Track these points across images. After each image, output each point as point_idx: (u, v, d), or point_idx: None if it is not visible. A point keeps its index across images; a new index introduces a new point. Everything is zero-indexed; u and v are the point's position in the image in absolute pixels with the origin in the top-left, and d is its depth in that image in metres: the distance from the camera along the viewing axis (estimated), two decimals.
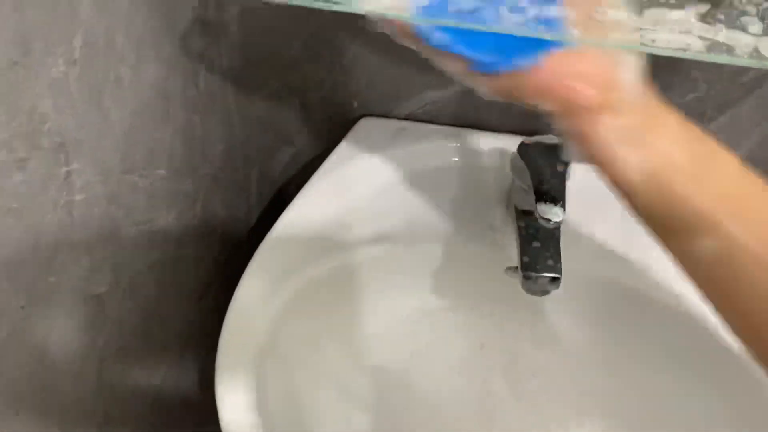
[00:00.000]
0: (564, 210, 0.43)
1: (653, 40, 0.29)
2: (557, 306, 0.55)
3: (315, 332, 0.55)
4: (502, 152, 0.58)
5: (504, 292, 0.56)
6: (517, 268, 0.50)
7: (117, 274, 0.46)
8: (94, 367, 0.46)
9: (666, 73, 0.49)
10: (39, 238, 0.38)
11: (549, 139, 0.47)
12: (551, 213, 0.43)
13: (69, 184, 0.39)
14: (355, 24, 0.53)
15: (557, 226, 0.45)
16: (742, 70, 0.47)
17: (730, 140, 0.53)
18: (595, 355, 0.55)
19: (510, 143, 0.57)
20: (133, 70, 0.44)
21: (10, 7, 0.32)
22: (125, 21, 0.42)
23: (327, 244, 0.55)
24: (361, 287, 0.57)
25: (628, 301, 0.53)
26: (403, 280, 0.57)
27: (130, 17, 0.42)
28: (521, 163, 0.46)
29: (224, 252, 0.65)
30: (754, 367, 0.31)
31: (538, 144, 0.47)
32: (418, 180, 0.58)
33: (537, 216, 0.43)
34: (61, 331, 0.41)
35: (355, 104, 0.61)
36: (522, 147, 0.47)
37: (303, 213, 0.56)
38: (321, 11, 0.54)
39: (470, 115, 0.59)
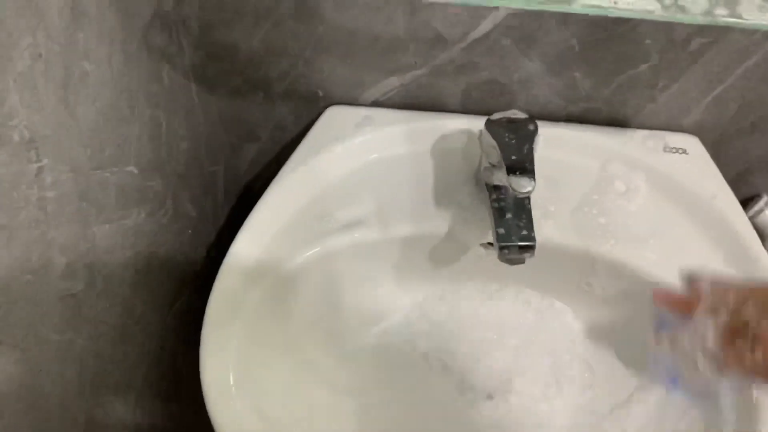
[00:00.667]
0: (534, 180, 0.45)
1: (615, 2, 0.30)
2: (532, 276, 0.56)
3: (292, 321, 0.55)
4: (466, 132, 0.59)
5: (478, 267, 0.57)
6: (489, 243, 0.51)
7: (92, 273, 0.46)
8: (75, 369, 0.45)
9: (620, 44, 0.51)
10: (12, 237, 0.37)
11: (513, 114, 0.49)
12: (523, 184, 0.44)
13: (40, 181, 0.39)
14: (317, 14, 0.54)
15: (527, 197, 0.47)
16: (689, 39, 0.49)
17: (681, 108, 0.57)
18: (571, 323, 0.57)
19: (473, 123, 0.59)
20: (97, 65, 0.44)
21: None
22: (86, 15, 0.41)
23: (301, 234, 0.55)
24: (337, 274, 0.57)
25: (599, 268, 0.55)
26: (378, 263, 0.58)
27: (91, 11, 0.42)
28: (489, 139, 0.48)
29: (196, 251, 0.65)
30: None
31: (504, 120, 0.48)
32: (386, 165, 0.59)
33: (509, 188, 0.45)
34: (40, 330, 0.40)
35: (321, 94, 0.61)
36: (489, 123, 0.48)
37: (276, 204, 0.56)
38: (280, 3, 0.55)
39: (434, 99, 0.60)
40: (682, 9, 0.30)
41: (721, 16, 0.29)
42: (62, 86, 0.40)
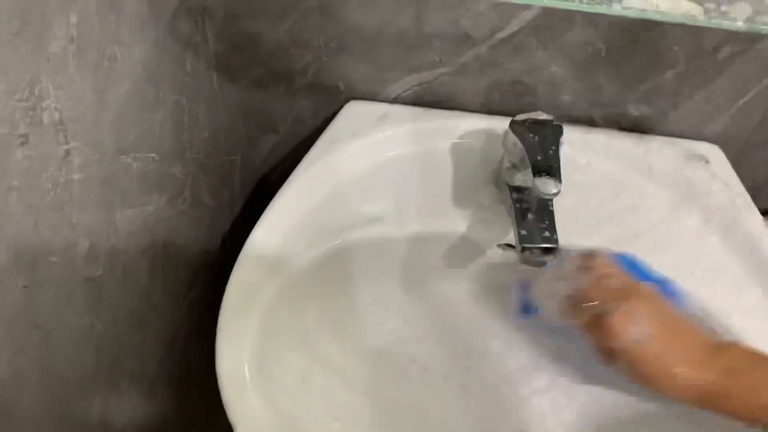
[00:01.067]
0: (560, 182, 0.44)
1: (657, 5, 0.30)
2: None
3: (307, 315, 0.55)
4: (487, 133, 0.59)
5: (494, 268, 0.57)
6: (508, 244, 0.51)
7: (112, 258, 0.46)
8: (93, 352, 0.45)
9: (648, 49, 0.51)
10: (39, 217, 0.37)
11: (537, 115, 0.49)
12: (549, 186, 0.44)
13: (68, 163, 0.39)
14: (343, 8, 0.54)
15: (552, 199, 0.47)
16: (718, 47, 0.49)
17: (705, 117, 0.56)
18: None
19: (494, 124, 0.59)
20: (126, 50, 0.44)
21: None
22: (118, 0, 0.41)
23: (318, 228, 0.55)
24: (353, 269, 0.57)
25: None
26: (394, 260, 0.58)
27: None
28: (514, 140, 0.48)
29: (211, 241, 0.65)
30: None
31: (528, 121, 0.48)
32: (405, 162, 0.59)
33: (535, 189, 0.45)
34: (62, 313, 0.40)
35: (342, 88, 0.61)
36: (513, 123, 0.48)
37: (293, 197, 0.56)
38: None
39: (456, 97, 0.60)
40: (725, 15, 0.30)
41: (763, 23, 0.29)
42: (92, 70, 0.40)
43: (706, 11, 0.31)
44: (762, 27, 0.29)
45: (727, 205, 0.53)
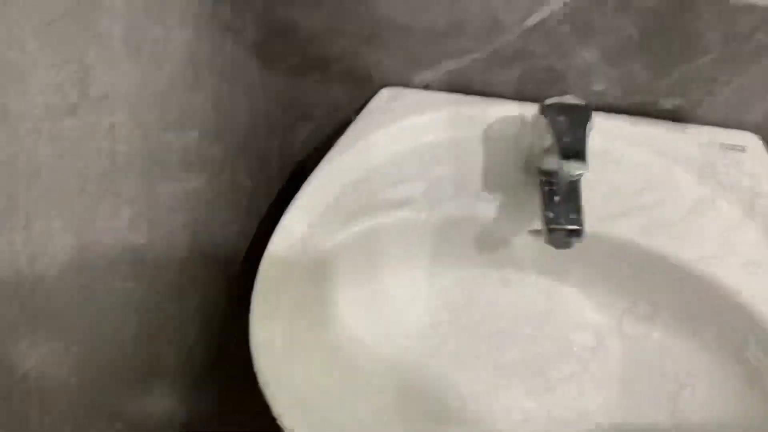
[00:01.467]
0: (586, 163, 0.45)
1: None
2: (576, 265, 0.56)
3: (338, 293, 0.56)
4: (518, 119, 0.60)
5: (525, 254, 0.58)
6: (537, 230, 0.52)
7: (153, 229, 0.48)
8: (133, 317, 0.48)
9: (681, 35, 0.51)
10: (86, 184, 0.40)
11: (567, 99, 0.49)
12: (575, 166, 0.44)
13: (113, 134, 0.42)
14: None
15: (578, 179, 0.47)
16: (753, 32, 0.49)
17: (742, 104, 0.55)
18: (613, 313, 0.56)
19: (526, 110, 0.59)
20: (168, 31, 0.46)
21: None
22: None
23: (349, 210, 0.56)
24: (383, 250, 0.59)
25: (645, 259, 0.54)
26: (424, 243, 0.59)
27: None
28: (543, 123, 0.48)
29: (248, 222, 0.67)
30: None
31: (558, 104, 0.49)
32: (437, 148, 0.60)
33: (561, 170, 0.45)
34: (107, 276, 0.43)
35: (375, 75, 0.63)
36: (543, 107, 0.49)
37: (326, 180, 0.58)
38: None
39: (487, 84, 0.60)
40: None
41: None
42: (136, 48, 0.43)
43: None
44: None
45: (763, 192, 0.52)
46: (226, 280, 0.63)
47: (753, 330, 0.47)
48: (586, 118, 0.48)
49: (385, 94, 0.63)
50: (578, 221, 0.47)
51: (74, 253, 0.40)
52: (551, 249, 0.49)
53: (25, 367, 0.37)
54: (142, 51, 0.43)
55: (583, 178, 0.48)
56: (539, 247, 0.51)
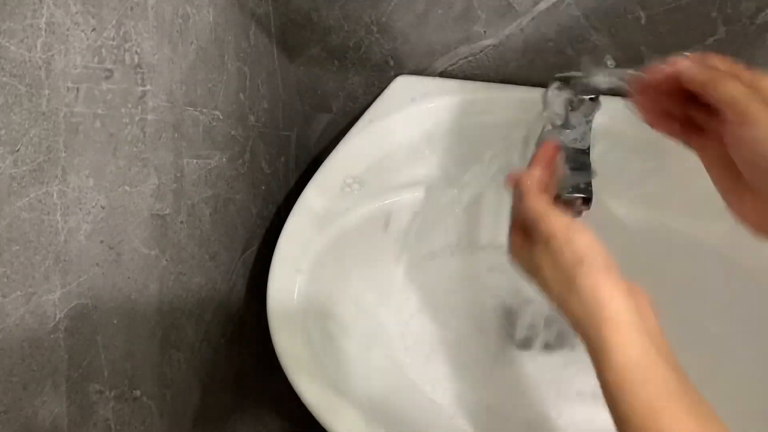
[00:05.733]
0: (590, 129, 0.46)
1: None
2: None
3: (352, 269, 0.58)
4: (532, 103, 0.61)
5: None
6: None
7: (178, 200, 0.50)
8: (157, 284, 0.49)
9: (687, 16, 0.53)
10: (117, 147, 0.42)
11: (574, 73, 0.51)
12: (578, 135, 0.46)
13: (144, 103, 0.44)
14: None
15: (587, 153, 0.49)
16: (757, 12, 0.50)
17: None
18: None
19: (537, 95, 0.61)
20: (197, 10, 0.49)
21: None
22: None
23: (364, 190, 0.58)
24: (395, 228, 0.60)
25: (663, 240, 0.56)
26: (434, 223, 0.61)
27: None
28: (552, 96, 0.50)
29: (266, 207, 0.69)
30: None
31: (569, 77, 0.50)
32: (450, 132, 0.62)
33: (568, 139, 0.47)
34: (132, 240, 0.45)
35: (392, 63, 0.65)
36: (554, 81, 0.50)
37: (343, 160, 0.60)
38: None
39: (501, 70, 0.62)
40: None
41: None
42: (168, 23, 0.45)
43: None
44: None
45: None
46: (245, 263, 0.65)
47: None
48: (592, 91, 0.49)
49: (401, 82, 0.65)
50: (587, 190, 0.48)
51: (104, 213, 0.42)
52: None
53: (54, 319, 0.39)
54: (173, 25, 0.46)
55: (592, 153, 0.50)
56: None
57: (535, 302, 0.56)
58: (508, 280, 0.60)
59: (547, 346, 0.56)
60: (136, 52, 0.42)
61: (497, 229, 0.60)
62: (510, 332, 0.58)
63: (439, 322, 0.59)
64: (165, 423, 0.54)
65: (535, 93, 0.61)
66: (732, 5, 0.50)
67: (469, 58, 0.62)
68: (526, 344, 0.58)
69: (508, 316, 0.60)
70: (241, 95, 0.59)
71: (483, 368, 0.57)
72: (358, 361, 0.54)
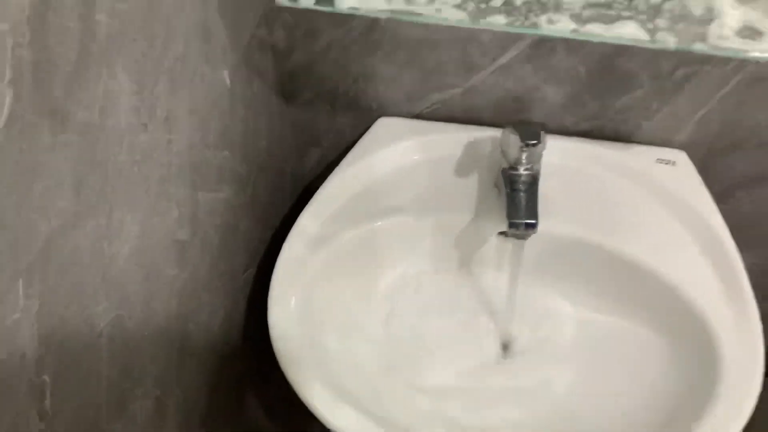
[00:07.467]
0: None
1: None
2: (542, 262, 0.67)
3: (345, 287, 0.67)
4: (493, 141, 0.72)
5: (496, 252, 0.69)
6: (503, 232, 0.63)
7: (194, 228, 0.60)
8: (177, 299, 0.58)
9: (618, 72, 0.63)
10: (149, 186, 0.51)
11: (526, 119, 0.62)
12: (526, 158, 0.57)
13: (170, 149, 0.53)
14: (379, 43, 0.68)
15: (535, 179, 0.59)
16: (674, 70, 0.61)
17: (672, 128, 0.68)
18: (574, 304, 0.67)
19: (500, 135, 0.72)
20: (212, 69, 0.58)
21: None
22: (212, 33, 0.57)
23: (353, 216, 0.68)
24: (381, 249, 0.70)
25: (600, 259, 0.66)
26: (413, 244, 0.70)
27: (215, 30, 0.57)
28: (507, 136, 0.60)
29: (265, 232, 0.78)
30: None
31: (518, 123, 0.61)
32: (426, 166, 0.72)
33: (520, 162, 0.57)
34: (159, 262, 0.54)
35: (375, 107, 0.75)
36: (507, 126, 0.61)
37: (333, 191, 0.69)
38: (350, 32, 0.69)
39: (468, 113, 0.73)
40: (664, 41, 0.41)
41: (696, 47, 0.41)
42: (189, 82, 0.55)
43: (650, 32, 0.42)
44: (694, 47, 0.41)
45: (688, 198, 0.64)
46: (246, 281, 0.74)
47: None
48: (541, 128, 0.59)
49: (382, 122, 0.76)
50: (533, 216, 0.58)
51: (138, 241, 0.51)
52: (518, 247, 0.61)
53: (100, 327, 0.48)
54: (193, 84, 0.55)
55: (542, 188, 0.60)
56: (507, 246, 0.62)
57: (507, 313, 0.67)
58: (489, 289, 0.70)
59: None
60: (165, 108, 0.52)
61: (469, 250, 0.71)
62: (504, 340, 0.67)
63: (430, 328, 0.68)
64: (178, 420, 0.62)
65: (498, 132, 0.72)
66: (654, 64, 0.61)
67: (440, 104, 0.72)
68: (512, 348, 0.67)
69: (495, 322, 0.69)
70: (246, 136, 0.68)
71: (476, 373, 0.66)
72: (352, 364, 0.63)
